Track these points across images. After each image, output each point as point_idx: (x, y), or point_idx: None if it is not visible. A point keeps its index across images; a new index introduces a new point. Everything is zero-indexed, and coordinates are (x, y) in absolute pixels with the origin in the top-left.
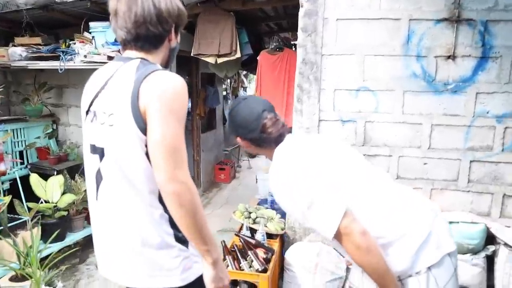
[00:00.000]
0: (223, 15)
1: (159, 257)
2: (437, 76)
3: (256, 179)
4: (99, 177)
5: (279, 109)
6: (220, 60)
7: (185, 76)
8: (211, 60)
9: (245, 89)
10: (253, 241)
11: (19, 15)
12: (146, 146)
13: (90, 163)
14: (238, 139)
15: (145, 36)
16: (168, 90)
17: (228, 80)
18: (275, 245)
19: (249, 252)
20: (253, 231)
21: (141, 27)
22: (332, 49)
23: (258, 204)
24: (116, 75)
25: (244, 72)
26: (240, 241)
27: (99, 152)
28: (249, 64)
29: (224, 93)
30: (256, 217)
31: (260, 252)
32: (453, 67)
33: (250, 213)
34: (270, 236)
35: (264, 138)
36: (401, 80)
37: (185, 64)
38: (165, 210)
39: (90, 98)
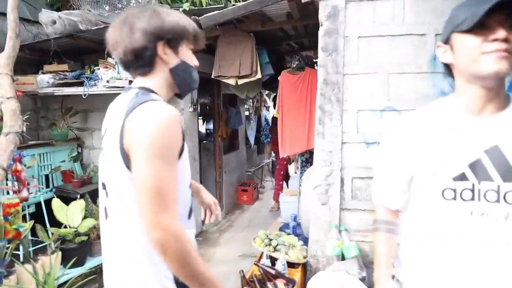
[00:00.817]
0: (243, 36)
1: None
2: None
3: (279, 201)
4: (105, 215)
5: (301, 131)
6: (240, 82)
7: (206, 97)
8: (231, 81)
9: (267, 108)
10: (273, 271)
11: (48, 44)
12: None
13: (101, 199)
14: None
15: (131, 59)
16: (148, 128)
17: (251, 100)
18: (297, 274)
19: (268, 284)
20: (273, 259)
21: (123, 50)
22: (354, 69)
23: (280, 228)
24: (115, 108)
25: (267, 92)
26: (260, 271)
27: (105, 189)
28: (271, 84)
29: (247, 113)
30: (277, 245)
31: (280, 284)
32: None
33: (270, 240)
34: (291, 265)
35: None
36: (429, 99)
37: (206, 85)
38: None
39: (103, 132)
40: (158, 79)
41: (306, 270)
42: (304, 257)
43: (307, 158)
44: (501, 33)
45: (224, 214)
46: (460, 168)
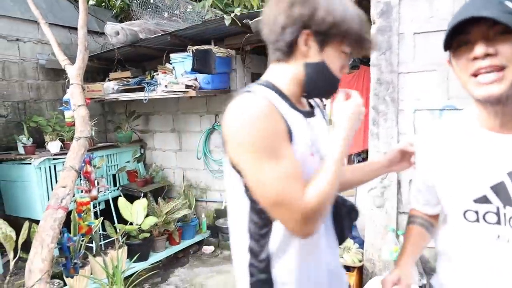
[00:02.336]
0: None
1: None
2: None
3: None
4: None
5: (357, 132)
6: None
7: None
8: None
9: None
10: None
11: (113, 53)
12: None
13: None
14: None
15: (272, 39)
16: (234, 125)
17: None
18: (352, 278)
19: None
20: None
21: (268, 27)
22: (409, 67)
23: None
24: None
25: None
26: None
27: None
28: None
29: None
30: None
31: None
32: None
33: None
34: (346, 268)
35: None
36: None
37: None
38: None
39: None
40: (289, 71)
41: (362, 273)
42: (360, 261)
43: (364, 158)
44: (478, 50)
45: None
46: (482, 191)
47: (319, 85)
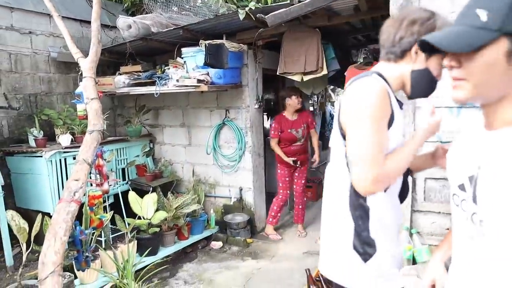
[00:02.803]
0: (309, 32)
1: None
2: None
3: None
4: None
5: None
6: (306, 78)
7: (271, 93)
8: (297, 78)
9: (332, 103)
10: None
11: (124, 47)
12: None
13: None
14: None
15: (389, 44)
16: (357, 98)
17: (315, 96)
18: None
19: None
20: None
21: (391, 37)
22: None
23: None
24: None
25: (332, 86)
26: None
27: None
28: (337, 79)
29: (311, 108)
30: None
31: None
32: None
33: None
34: None
35: None
36: None
37: (271, 81)
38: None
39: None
40: (396, 70)
41: None
42: None
43: None
44: (444, 61)
45: (289, 210)
46: (462, 179)
47: (422, 89)
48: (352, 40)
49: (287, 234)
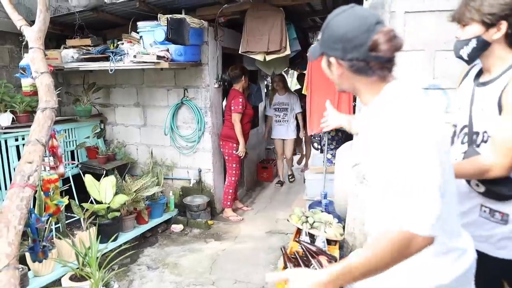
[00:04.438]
0: (272, 11)
1: None
2: None
3: (304, 178)
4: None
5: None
6: (269, 58)
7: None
8: (259, 57)
9: None
10: (314, 248)
11: (70, 18)
12: None
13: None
14: (331, 61)
15: None
16: None
17: (270, 78)
18: (335, 251)
19: (313, 261)
20: (310, 237)
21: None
22: None
23: (310, 206)
24: None
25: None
26: (301, 247)
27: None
28: (295, 60)
29: (265, 90)
30: (314, 222)
31: (323, 260)
32: None
33: (307, 217)
34: (328, 242)
35: (371, 59)
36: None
37: (229, 61)
38: None
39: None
40: None
41: (343, 247)
42: (341, 235)
43: (333, 136)
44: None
45: (245, 191)
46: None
47: None
48: (310, 22)
49: (247, 214)
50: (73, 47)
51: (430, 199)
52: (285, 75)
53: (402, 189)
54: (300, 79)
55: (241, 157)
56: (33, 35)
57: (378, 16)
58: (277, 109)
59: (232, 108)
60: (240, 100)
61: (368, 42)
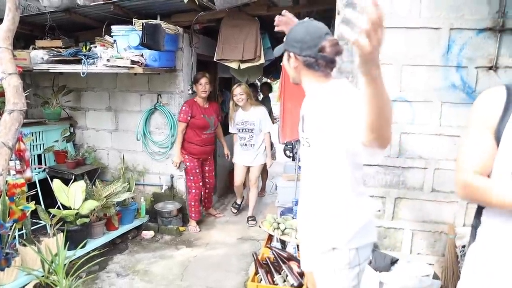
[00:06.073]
0: (248, 20)
1: None
2: (477, 88)
3: (276, 186)
4: None
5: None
6: (243, 66)
7: None
8: (234, 65)
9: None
10: (285, 254)
11: (41, 18)
12: None
13: None
14: (290, 56)
15: None
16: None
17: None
18: None
19: (284, 266)
20: (282, 243)
21: None
22: None
23: (282, 213)
24: None
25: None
26: (272, 253)
27: None
28: (269, 69)
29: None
30: (285, 228)
31: (294, 266)
32: (494, 79)
33: (278, 223)
34: (299, 248)
35: (319, 58)
36: (440, 91)
37: (203, 68)
38: None
39: None
40: None
41: None
42: None
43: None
44: None
45: (217, 198)
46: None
47: None
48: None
49: (218, 222)
50: (43, 48)
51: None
52: (257, 81)
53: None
54: (263, 88)
55: (197, 171)
56: (1, 34)
57: (328, 29)
58: (241, 130)
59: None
60: (183, 108)
61: (319, 45)
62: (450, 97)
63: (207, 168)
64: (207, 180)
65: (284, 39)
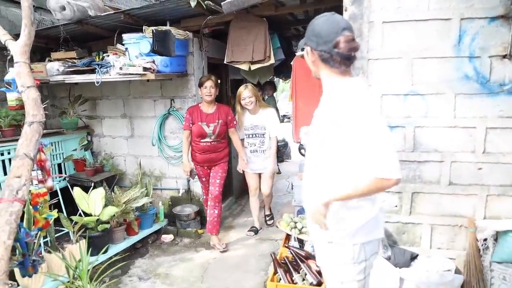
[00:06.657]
0: (256, 21)
1: None
2: (492, 77)
3: (292, 185)
4: None
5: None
6: (253, 67)
7: None
8: (244, 67)
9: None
10: (303, 253)
11: (55, 31)
12: None
13: None
14: (308, 50)
15: None
16: None
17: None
18: None
19: (302, 265)
20: (299, 242)
21: None
22: (378, 54)
23: (299, 212)
24: None
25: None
26: (290, 252)
27: None
28: (279, 69)
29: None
30: (302, 227)
31: (313, 265)
32: (509, 67)
33: (295, 223)
34: None
35: (334, 54)
36: (452, 83)
37: (215, 71)
38: None
39: None
40: None
41: None
42: None
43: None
44: None
45: (235, 199)
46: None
47: None
48: (293, 31)
49: (236, 223)
50: (58, 60)
51: (394, 155)
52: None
53: (372, 151)
54: (267, 87)
55: (189, 176)
56: (18, 49)
57: (348, 24)
58: (251, 136)
59: None
60: (185, 115)
61: (333, 41)
62: (464, 88)
63: (212, 174)
64: (211, 188)
65: (306, 32)
